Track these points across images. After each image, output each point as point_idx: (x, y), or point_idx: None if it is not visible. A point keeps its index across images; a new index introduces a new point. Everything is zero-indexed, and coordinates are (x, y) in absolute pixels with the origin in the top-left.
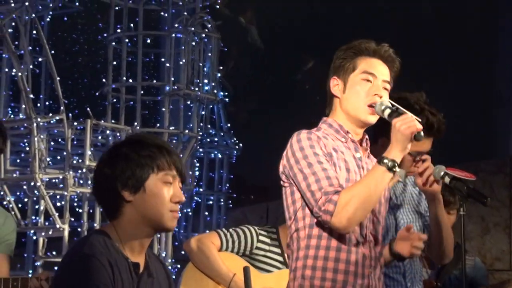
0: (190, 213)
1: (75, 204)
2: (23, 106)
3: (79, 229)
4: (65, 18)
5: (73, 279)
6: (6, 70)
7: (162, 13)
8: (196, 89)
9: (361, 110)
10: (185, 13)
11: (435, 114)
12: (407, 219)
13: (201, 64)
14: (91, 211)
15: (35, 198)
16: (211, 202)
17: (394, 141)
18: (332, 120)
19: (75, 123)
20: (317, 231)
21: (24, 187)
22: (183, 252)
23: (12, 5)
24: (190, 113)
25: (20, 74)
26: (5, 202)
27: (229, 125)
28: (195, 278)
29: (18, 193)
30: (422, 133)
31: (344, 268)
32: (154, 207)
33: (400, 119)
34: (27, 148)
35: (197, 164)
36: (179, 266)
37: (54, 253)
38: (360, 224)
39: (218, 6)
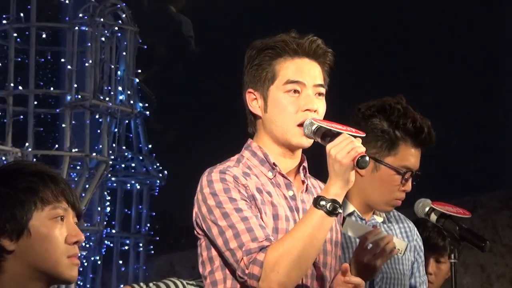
0: (99, 262)
1: None
2: None
3: None
4: None
5: None
6: None
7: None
8: (107, 99)
9: (291, 133)
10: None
11: (422, 117)
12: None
13: (113, 66)
14: None
15: None
16: (126, 248)
17: (332, 174)
18: (256, 146)
19: None
20: None
21: None
22: None
23: None
24: (99, 131)
25: None
26: None
27: (150, 146)
28: None
29: None
30: (367, 158)
31: None
32: (46, 254)
33: (334, 144)
34: None
35: (108, 198)
36: None
37: None
38: (298, 286)
39: None
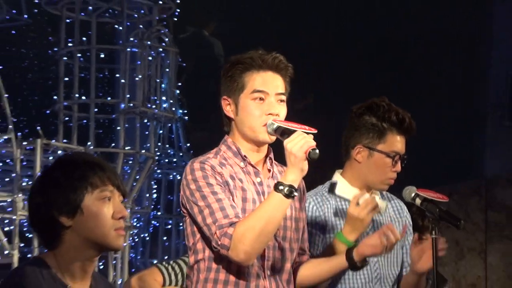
0: (148, 238)
1: (25, 228)
2: None
3: (29, 255)
4: (13, 32)
5: None
6: None
7: (116, 26)
8: (153, 106)
9: (258, 132)
10: (141, 26)
11: (403, 110)
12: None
13: (158, 80)
14: None
15: None
16: (169, 227)
17: (289, 164)
18: (231, 141)
19: (25, 143)
20: (216, 264)
21: None
22: None
23: None
24: (147, 132)
25: None
26: None
27: (188, 144)
28: None
29: None
30: (317, 151)
31: None
32: (96, 228)
33: (290, 140)
34: None
35: (155, 186)
36: None
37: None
38: (261, 256)
39: (176, 19)
